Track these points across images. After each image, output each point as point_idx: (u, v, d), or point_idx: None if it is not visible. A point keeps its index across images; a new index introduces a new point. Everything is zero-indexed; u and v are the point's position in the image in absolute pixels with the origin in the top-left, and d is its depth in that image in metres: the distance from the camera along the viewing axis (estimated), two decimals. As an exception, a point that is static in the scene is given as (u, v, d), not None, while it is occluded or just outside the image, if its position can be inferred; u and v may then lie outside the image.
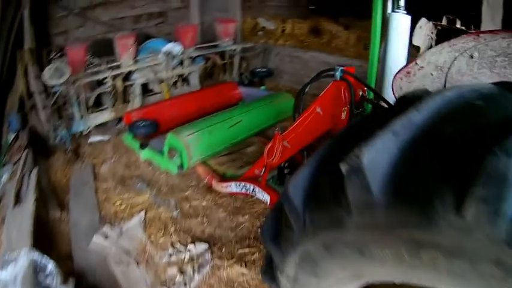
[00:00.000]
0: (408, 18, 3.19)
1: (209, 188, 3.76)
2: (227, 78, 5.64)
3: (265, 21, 6.54)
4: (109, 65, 4.53)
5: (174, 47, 5.02)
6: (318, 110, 2.84)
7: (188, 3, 6.34)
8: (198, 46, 5.31)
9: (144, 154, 3.82)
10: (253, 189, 3.15)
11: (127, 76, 4.80)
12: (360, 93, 2.87)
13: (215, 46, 5.46)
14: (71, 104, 4.31)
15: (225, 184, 3.46)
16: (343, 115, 2.87)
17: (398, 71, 2.32)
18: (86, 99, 4.43)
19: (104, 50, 4.81)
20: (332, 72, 2.80)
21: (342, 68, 2.77)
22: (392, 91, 2.40)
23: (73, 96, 4.26)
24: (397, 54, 3.38)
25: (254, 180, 3.21)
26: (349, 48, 6.08)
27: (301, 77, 5.83)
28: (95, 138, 4.78)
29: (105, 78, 4.49)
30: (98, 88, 4.57)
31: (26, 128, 4.32)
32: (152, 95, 5.14)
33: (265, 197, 3.07)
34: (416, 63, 2.13)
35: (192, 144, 3.35)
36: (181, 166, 3.43)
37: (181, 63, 5.21)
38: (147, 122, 3.73)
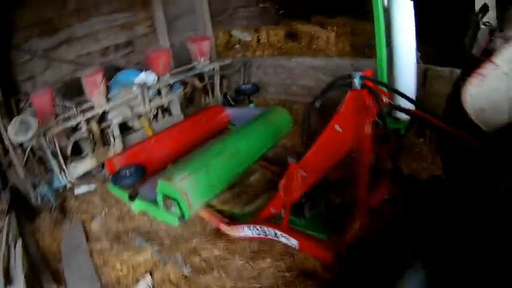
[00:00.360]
0: (411, 3, 2.82)
1: (217, 232, 3.26)
2: (210, 101, 5.12)
3: (240, 33, 6.06)
4: (80, 108, 3.94)
5: (148, 77, 4.47)
6: (337, 128, 2.39)
7: (155, 28, 5.79)
8: (173, 71, 4.77)
9: (136, 206, 3.29)
10: (275, 234, 2.70)
11: (102, 116, 4.23)
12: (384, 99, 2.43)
13: (192, 68, 4.92)
14: (47, 157, 3.72)
15: (236, 228, 2.98)
16: (367, 128, 2.44)
17: (468, 74, 1.84)
18: (62, 150, 3.85)
19: (74, 90, 4.27)
20: (348, 80, 2.36)
21: (361, 73, 2.31)
22: (461, 102, 1.92)
23: (47, 148, 3.67)
24: (405, 43, 3.00)
25: (273, 222, 2.74)
26: (331, 47, 5.66)
27: (289, 87, 5.42)
28: (80, 190, 4.22)
29: (79, 123, 3.88)
30: (72, 135, 3.98)
31: (7, 188, 3.81)
32: (133, 132, 4.57)
33: (292, 241, 2.61)
34: (492, 62, 1.66)
35: (190, 190, 2.85)
36: (182, 217, 2.91)
37: (158, 92, 4.66)
38: (132, 169, 3.19)
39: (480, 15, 2.28)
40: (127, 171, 3.17)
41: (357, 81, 2.28)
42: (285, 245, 2.86)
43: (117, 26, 5.52)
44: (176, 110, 4.83)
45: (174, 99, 4.76)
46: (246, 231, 2.90)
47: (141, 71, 4.55)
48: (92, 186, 4.26)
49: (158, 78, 4.54)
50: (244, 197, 3.52)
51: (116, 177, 3.13)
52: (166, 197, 2.89)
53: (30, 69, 4.82)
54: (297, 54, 5.75)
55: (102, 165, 4.26)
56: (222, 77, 5.20)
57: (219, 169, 3.12)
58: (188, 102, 5.19)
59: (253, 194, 3.54)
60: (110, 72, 4.60)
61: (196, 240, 3.24)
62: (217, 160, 3.14)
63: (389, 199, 2.93)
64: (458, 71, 3.81)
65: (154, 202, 3.15)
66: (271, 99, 5.53)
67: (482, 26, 2.24)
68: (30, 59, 4.81)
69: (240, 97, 4.91)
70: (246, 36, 5.94)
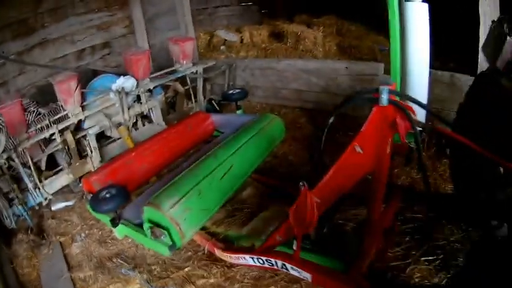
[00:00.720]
0: (425, 6, 2.54)
1: (211, 255, 2.91)
2: (193, 107, 4.71)
3: (225, 34, 5.64)
4: (53, 118, 3.48)
5: (126, 82, 4.04)
6: (358, 149, 2.09)
7: (133, 29, 5.31)
8: (153, 75, 4.33)
9: (119, 231, 2.89)
10: (282, 266, 2.32)
11: (78, 126, 3.77)
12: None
13: (174, 72, 4.50)
14: (20, 174, 3.31)
15: (236, 256, 2.62)
16: (388, 148, 2.16)
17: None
18: (36, 165, 3.42)
19: (49, 96, 3.81)
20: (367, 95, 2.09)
21: (389, 88, 2.01)
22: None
23: (19, 165, 3.26)
24: (419, 48, 2.73)
25: (280, 252, 2.39)
26: (318, 48, 5.35)
27: (278, 91, 5.06)
28: (58, 206, 3.83)
29: (52, 134, 3.43)
30: (46, 148, 3.52)
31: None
32: (111, 142, 4.13)
33: (305, 275, 2.25)
34: None
35: (182, 218, 2.45)
36: (173, 246, 2.52)
37: (138, 98, 4.22)
38: (113, 191, 2.75)
39: (506, 25, 2.01)
40: (107, 193, 2.75)
41: (385, 97, 1.99)
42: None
43: (94, 27, 5.07)
44: (157, 117, 4.40)
45: (155, 106, 4.33)
46: (247, 260, 2.55)
47: (119, 75, 4.11)
48: (70, 202, 3.86)
49: (137, 83, 4.12)
50: (238, 216, 3.19)
51: (95, 202, 2.70)
52: (154, 225, 2.50)
53: (2, 74, 4.37)
54: (283, 56, 5.43)
55: (80, 178, 3.85)
56: (205, 81, 4.80)
57: (212, 190, 2.74)
58: (169, 108, 4.76)
59: (248, 212, 3.22)
60: (87, 77, 4.15)
61: (189, 266, 2.89)
62: (209, 180, 2.74)
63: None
64: (459, 76, 3.65)
65: (140, 226, 2.77)
66: (258, 102, 5.19)
67: (508, 38, 1.97)
68: (3, 63, 4.36)
69: (225, 102, 4.54)
70: (232, 37, 5.54)
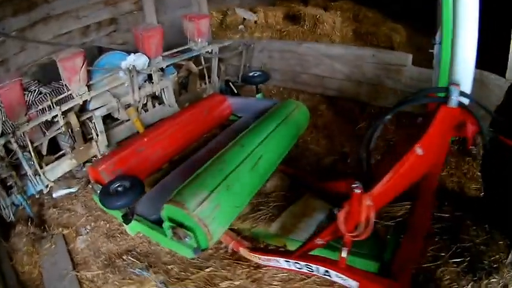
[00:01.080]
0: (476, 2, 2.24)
1: (235, 253, 2.57)
2: (207, 88, 4.27)
3: (245, 13, 5.15)
4: (56, 98, 3.04)
5: (138, 60, 3.59)
6: (419, 151, 1.86)
7: (142, 4, 4.83)
8: (165, 53, 3.88)
9: (132, 228, 2.51)
10: (325, 272, 2.00)
11: (82, 107, 3.34)
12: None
13: (187, 50, 4.04)
14: (19, 160, 2.92)
15: (266, 257, 2.28)
16: (445, 150, 2.05)
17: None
18: (36, 149, 3.01)
19: (52, 75, 3.34)
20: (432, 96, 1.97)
21: (459, 88, 1.80)
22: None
23: (18, 150, 2.85)
24: (467, 44, 2.38)
25: (325, 258, 2.05)
26: (336, 32, 4.93)
27: (297, 75, 4.64)
28: (59, 193, 3.42)
29: (55, 116, 3.00)
30: (48, 131, 3.10)
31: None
32: (118, 124, 3.70)
33: (351, 283, 1.94)
34: None
35: (209, 217, 2.07)
36: (198, 248, 2.15)
37: (149, 78, 3.79)
38: (127, 184, 2.36)
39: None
40: (119, 186, 2.34)
41: (454, 98, 1.79)
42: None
43: (100, 2, 4.58)
44: (170, 98, 3.97)
45: (167, 86, 3.89)
46: (281, 263, 2.20)
47: (128, 53, 3.66)
48: (73, 189, 3.45)
49: (149, 61, 3.67)
50: (264, 210, 2.82)
51: (106, 197, 2.29)
52: (176, 225, 2.11)
53: (2, 52, 3.91)
54: (300, 39, 5.00)
55: (84, 162, 3.47)
56: (219, 61, 4.35)
57: (241, 184, 2.35)
58: (181, 88, 4.32)
59: (275, 206, 2.85)
60: (91, 54, 3.71)
61: (210, 266, 2.53)
62: (238, 172, 2.36)
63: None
64: (486, 74, 3.37)
65: (157, 223, 2.39)
66: (275, 86, 4.76)
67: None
68: (3, 40, 3.88)
69: (241, 84, 4.12)
70: (252, 16, 5.06)
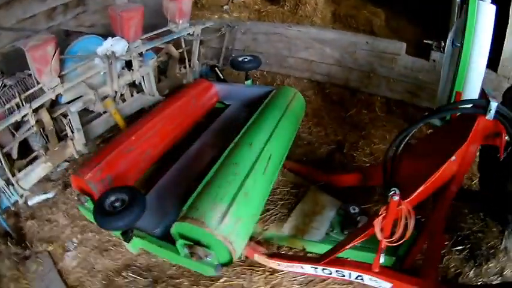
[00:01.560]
0: (493, 8, 2.33)
1: (245, 259, 2.35)
2: (187, 73, 3.83)
3: None
4: (24, 94, 2.54)
5: (116, 44, 3.10)
6: (453, 158, 1.86)
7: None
8: (144, 37, 3.40)
9: (134, 246, 2.16)
10: (357, 277, 1.92)
11: (54, 101, 2.84)
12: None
13: (168, 32, 3.57)
14: None
15: (288, 263, 2.11)
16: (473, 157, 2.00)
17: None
18: (5, 155, 2.50)
19: (17, 64, 2.81)
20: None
21: (496, 101, 1.75)
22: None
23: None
24: (481, 50, 2.35)
25: (358, 263, 1.95)
26: (318, 14, 4.64)
27: (284, 60, 4.33)
28: (35, 200, 2.97)
29: (25, 115, 2.50)
30: (17, 133, 2.60)
31: None
32: (94, 118, 3.22)
33: (385, 285, 1.89)
34: None
35: (233, 233, 1.83)
36: (220, 265, 1.90)
37: (127, 65, 3.31)
38: (125, 197, 1.97)
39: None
40: (116, 201, 1.95)
41: (492, 112, 1.76)
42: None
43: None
44: (150, 86, 3.51)
45: (148, 73, 3.43)
46: (306, 269, 2.04)
47: (103, 37, 3.15)
48: (50, 194, 3.01)
49: (128, 46, 3.19)
50: (272, 211, 2.58)
51: (102, 216, 1.89)
52: (193, 243, 1.82)
53: None
54: (280, 20, 4.66)
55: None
56: (200, 43, 3.92)
57: (257, 188, 2.10)
58: (160, 74, 3.86)
59: (283, 205, 2.63)
60: (59, 39, 3.16)
61: (223, 276, 2.27)
62: (253, 177, 2.09)
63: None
64: None
65: (162, 239, 2.08)
66: (259, 70, 4.42)
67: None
68: None
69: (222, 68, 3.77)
70: None
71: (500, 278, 2.19)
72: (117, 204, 1.96)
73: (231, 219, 1.82)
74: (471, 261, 2.29)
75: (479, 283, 2.18)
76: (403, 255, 2.03)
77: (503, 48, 3.33)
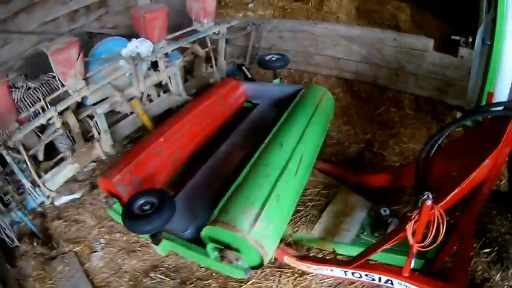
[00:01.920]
0: None
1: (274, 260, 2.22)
2: (214, 73, 3.75)
3: None
4: (49, 97, 2.52)
5: (141, 45, 3.06)
6: (486, 162, 1.76)
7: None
8: (169, 37, 3.35)
9: (163, 248, 2.08)
10: (387, 281, 1.86)
11: (79, 103, 2.82)
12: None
13: (193, 32, 3.50)
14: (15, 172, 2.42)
15: (318, 266, 2.01)
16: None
17: None
18: (32, 157, 2.50)
19: (40, 67, 2.87)
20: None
21: None
22: None
23: (12, 162, 2.34)
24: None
25: (389, 267, 1.89)
26: (343, 10, 4.46)
27: (311, 57, 4.19)
28: (62, 200, 2.94)
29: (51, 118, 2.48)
30: (43, 134, 2.59)
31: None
32: (121, 118, 3.20)
33: None
34: None
35: (265, 237, 1.74)
36: (250, 268, 1.82)
37: (153, 65, 3.27)
38: (155, 200, 1.88)
39: None
40: (145, 204, 1.87)
41: None
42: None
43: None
44: (177, 86, 3.45)
45: (175, 73, 3.36)
46: (336, 272, 1.96)
47: (129, 38, 3.11)
48: (76, 194, 2.99)
49: (154, 47, 3.14)
50: (302, 212, 2.47)
51: (131, 219, 1.81)
52: (223, 247, 1.73)
53: None
54: (305, 17, 4.51)
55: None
56: (226, 42, 3.83)
57: (288, 191, 2.00)
58: (186, 74, 3.80)
59: (312, 206, 2.52)
60: (82, 42, 3.16)
61: (251, 278, 2.18)
62: (284, 179, 1.98)
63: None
64: None
65: (192, 241, 2.00)
66: (286, 70, 4.29)
67: None
68: None
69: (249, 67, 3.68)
70: None
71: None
72: (146, 207, 1.89)
73: (262, 223, 1.72)
74: (498, 264, 2.19)
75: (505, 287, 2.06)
76: (432, 258, 1.96)
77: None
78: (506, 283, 2.09)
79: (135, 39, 3.09)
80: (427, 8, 4.44)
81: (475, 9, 2.89)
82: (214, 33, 3.59)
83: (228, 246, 1.74)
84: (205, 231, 1.77)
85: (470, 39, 3.12)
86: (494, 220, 2.42)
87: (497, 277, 2.11)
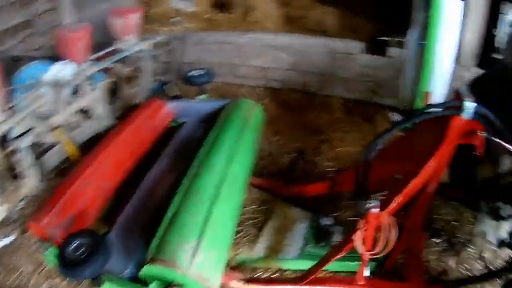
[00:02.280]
0: (460, 3, 2.32)
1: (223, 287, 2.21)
2: (140, 92, 3.67)
3: (177, 1, 4.46)
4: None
5: (63, 68, 2.92)
6: (430, 162, 1.81)
7: (57, 2, 3.92)
8: (92, 57, 3.23)
9: (105, 290, 2.02)
10: None
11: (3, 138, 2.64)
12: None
13: (117, 51, 3.40)
14: None
15: (267, 287, 2.08)
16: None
17: None
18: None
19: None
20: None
21: (475, 101, 1.65)
22: None
23: None
24: (447, 47, 2.35)
25: (340, 279, 2.02)
26: (269, 19, 4.61)
27: (237, 69, 4.24)
28: None
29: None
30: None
31: None
32: (46, 149, 3.02)
33: None
34: None
35: (207, 269, 1.76)
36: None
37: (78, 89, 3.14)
38: (87, 241, 1.79)
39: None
40: (78, 247, 1.78)
41: (470, 112, 1.66)
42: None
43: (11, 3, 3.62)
44: (102, 110, 3.33)
45: (99, 96, 3.25)
46: None
47: (52, 61, 2.95)
48: (9, 239, 2.71)
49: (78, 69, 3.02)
50: (242, 232, 2.51)
51: (67, 266, 1.72)
52: (167, 285, 1.75)
53: None
54: (230, 28, 4.59)
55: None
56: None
57: (225, 214, 2.03)
58: (111, 96, 3.65)
59: (252, 224, 2.59)
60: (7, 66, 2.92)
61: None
62: (220, 203, 2.01)
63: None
64: None
65: (135, 281, 1.94)
66: (214, 84, 4.31)
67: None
68: None
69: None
70: (188, 6, 4.42)
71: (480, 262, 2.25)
72: (80, 252, 1.78)
73: (202, 254, 1.74)
74: (451, 251, 2.34)
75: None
76: (383, 259, 2.02)
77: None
78: (462, 266, 2.22)
79: (58, 62, 2.94)
80: (361, 13, 4.66)
81: (407, 10, 3.01)
82: (139, 50, 3.52)
83: (171, 284, 1.74)
84: (145, 271, 1.75)
85: (398, 39, 3.30)
86: (439, 210, 2.58)
87: (452, 263, 2.24)
